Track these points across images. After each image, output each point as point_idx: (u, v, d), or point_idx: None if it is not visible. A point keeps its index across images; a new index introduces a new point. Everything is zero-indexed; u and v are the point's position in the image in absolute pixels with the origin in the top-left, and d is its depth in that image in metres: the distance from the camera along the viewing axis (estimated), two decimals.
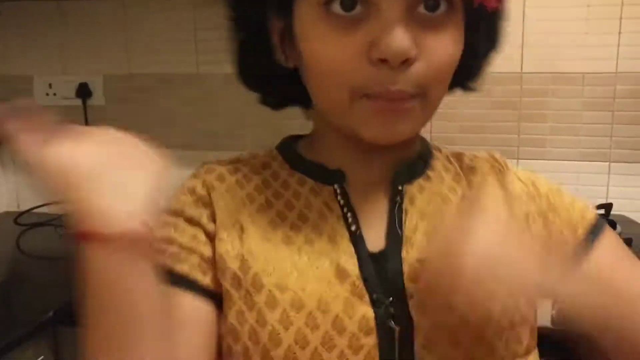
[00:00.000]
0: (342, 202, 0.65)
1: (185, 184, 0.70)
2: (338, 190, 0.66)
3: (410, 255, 0.63)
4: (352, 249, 0.62)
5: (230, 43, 0.68)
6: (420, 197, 0.67)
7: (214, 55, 1.80)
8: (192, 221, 0.66)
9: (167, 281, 0.63)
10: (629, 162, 1.65)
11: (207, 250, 0.65)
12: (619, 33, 1.59)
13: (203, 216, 0.66)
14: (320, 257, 0.62)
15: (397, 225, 0.64)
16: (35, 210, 1.93)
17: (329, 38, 0.56)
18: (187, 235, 0.66)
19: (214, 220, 0.66)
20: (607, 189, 1.67)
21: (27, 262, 1.63)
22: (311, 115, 0.73)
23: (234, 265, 0.63)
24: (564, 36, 1.61)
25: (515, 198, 0.70)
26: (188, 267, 0.64)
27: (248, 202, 0.67)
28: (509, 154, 1.68)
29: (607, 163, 1.66)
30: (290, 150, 0.72)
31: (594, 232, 0.70)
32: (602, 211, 1.58)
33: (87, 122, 1.90)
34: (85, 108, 1.90)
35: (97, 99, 1.91)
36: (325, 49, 0.57)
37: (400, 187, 0.67)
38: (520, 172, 0.74)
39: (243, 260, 0.63)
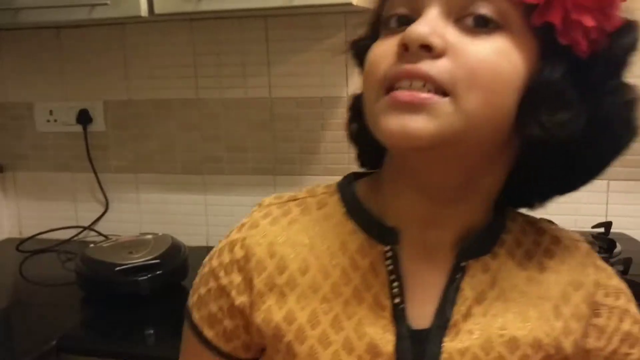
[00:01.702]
0: (390, 267, 0.60)
1: (230, 234, 0.67)
2: (389, 254, 0.61)
3: (453, 342, 0.59)
4: (392, 325, 0.59)
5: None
6: (482, 277, 0.61)
7: (213, 80, 1.81)
8: (223, 290, 0.65)
9: (198, 339, 0.67)
10: (628, 180, 1.65)
11: (230, 324, 0.65)
12: None
13: (234, 286, 0.64)
14: (356, 327, 0.59)
15: (447, 305, 0.60)
16: (37, 237, 1.94)
17: (379, 44, 0.58)
18: (216, 303, 0.66)
19: (249, 288, 0.63)
20: (607, 207, 1.67)
21: (29, 289, 1.63)
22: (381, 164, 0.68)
23: (269, 332, 0.62)
24: None
25: (589, 303, 0.63)
26: (214, 333, 0.67)
27: (292, 255, 0.63)
28: None
29: (606, 181, 1.66)
30: (349, 191, 0.66)
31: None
32: (601, 229, 1.59)
33: (88, 148, 1.91)
34: (85, 134, 1.91)
35: (98, 124, 1.92)
36: (373, 52, 0.58)
37: (463, 264, 0.61)
38: (604, 273, 0.65)
39: (278, 328, 0.61)
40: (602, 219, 1.63)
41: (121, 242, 1.59)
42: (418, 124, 0.52)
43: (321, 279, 0.61)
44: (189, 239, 1.72)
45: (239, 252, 0.64)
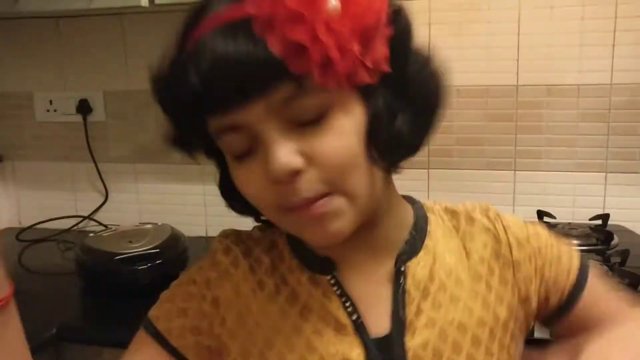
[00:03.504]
0: (338, 292, 0.66)
1: (206, 268, 0.72)
2: (332, 281, 0.67)
3: (413, 340, 0.65)
4: (357, 338, 0.65)
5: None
6: (421, 273, 0.67)
7: None
8: (203, 314, 0.70)
9: (145, 328, 0.70)
10: (625, 173, 1.66)
11: (190, 324, 0.69)
12: (613, 45, 1.61)
13: (217, 319, 0.69)
14: (328, 348, 0.64)
15: (399, 308, 0.66)
16: (37, 227, 1.94)
17: (241, 172, 0.60)
18: (190, 316, 0.70)
19: (223, 324, 0.69)
20: (604, 199, 1.68)
21: (29, 278, 1.63)
22: None
23: (247, 357, 0.67)
24: (559, 49, 1.63)
25: (508, 265, 0.71)
26: (172, 330, 0.69)
27: (259, 291, 0.69)
28: (506, 166, 1.69)
29: (604, 174, 1.67)
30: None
31: (582, 275, 0.73)
32: (599, 222, 1.59)
33: (87, 138, 1.92)
34: (85, 124, 1.91)
35: (98, 114, 1.92)
36: (240, 182, 0.60)
37: (402, 268, 0.67)
38: (512, 229, 0.72)
39: (259, 353, 0.66)
40: (600, 212, 1.64)
41: (121, 231, 1.59)
42: (335, 227, 0.58)
43: (288, 307, 0.67)
44: (189, 228, 1.72)
45: (217, 292, 0.70)
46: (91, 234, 1.59)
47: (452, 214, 0.74)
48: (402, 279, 0.67)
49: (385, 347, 0.65)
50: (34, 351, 1.16)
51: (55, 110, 1.95)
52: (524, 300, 0.70)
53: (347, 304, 0.66)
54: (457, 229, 0.72)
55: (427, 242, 0.69)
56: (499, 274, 0.70)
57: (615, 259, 1.34)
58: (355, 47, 0.54)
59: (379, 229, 0.67)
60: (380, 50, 0.56)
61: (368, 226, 0.64)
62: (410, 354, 0.64)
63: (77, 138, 1.94)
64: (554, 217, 1.64)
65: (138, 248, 1.46)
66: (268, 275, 0.69)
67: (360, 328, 0.65)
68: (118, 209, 1.97)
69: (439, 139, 1.70)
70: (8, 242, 1.89)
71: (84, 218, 1.97)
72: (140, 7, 1.48)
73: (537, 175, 1.69)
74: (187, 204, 1.89)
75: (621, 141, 1.65)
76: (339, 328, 0.65)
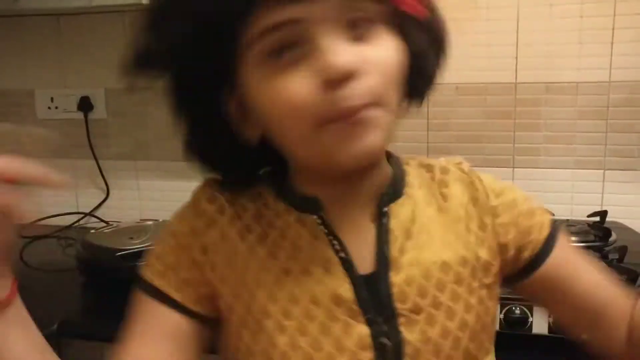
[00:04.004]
0: (326, 231, 0.68)
1: (190, 219, 0.72)
2: (319, 221, 0.68)
3: (398, 277, 0.67)
4: (345, 275, 0.66)
5: (177, 128, 0.71)
6: (403, 215, 0.70)
7: None
8: (195, 263, 0.70)
9: (143, 291, 0.70)
10: (624, 170, 1.66)
11: (187, 275, 0.70)
12: (612, 43, 1.61)
13: (207, 265, 0.69)
14: (318, 285, 0.66)
15: (384, 246, 0.68)
16: (38, 222, 1.95)
17: (279, 81, 0.58)
18: (184, 268, 0.70)
19: (214, 269, 0.69)
20: (602, 196, 1.69)
21: (30, 274, 1.64)
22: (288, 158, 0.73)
23: (238, 298, 0.68)
24: (557, 46, 1.64)
25: (486, 211, 0.73)
26: (169, 285, 0.69)
27: (247, 234, 0.69)
28: (504, 163, 1.70)
29: (602, 171, 1.68)
30: (276, 177, 0.73)
31: (553, 233, 0.76)
32: (597, 218, 1.60)
33: (89, 135, 1.92)
34: (87, 121, 1.92)
35: (99, 112, 1.93)
36: (279, 93, 0.58)
37: (385, 209, 0.69)
38: (486, 181, 0.76)
39: (249, 293, 0.67)
40: (598, 208, 1.64)
41: (122, 228, 1.60)
42: (372, 139, 0.59)
43: (277, 250, 0.68)
44: None
45: (204, 239, 0.70)
46: (92, 231, 1.59)
47: (427, 166, 0.76)
48: (385, 219, 0.69)
49: (372, 283, 0.66)
50: None
51: (56, 108, 1.96)
52: (503, 246, 0.72)
53: (335, 243, 0.67)
54: (432, 178, 0.74)
55: (407, 189, 0.72)
56: (477, 218, 0.72)
57: (613, 256, 1.35)
58: None
59: (365, 173, 0.68)
60: None
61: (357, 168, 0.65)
62: (395, 290, 0.66)
63: (78, 135, 1.95)
64: (552, 214, 1.63)
65: (139, 244, 1.47)
66: (254, 220, 0.70)
67: (347, 265, 0.67)
68: (119, 206, 1.98)
69: (437, 136, 1.72)
70: None
71: (85, 215, 1.98)
72: (141, 4, 1.49)
73: (536, 172, 1.70)
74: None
75: (619, 139, 1.65)
76: (327, 266, 0.67)
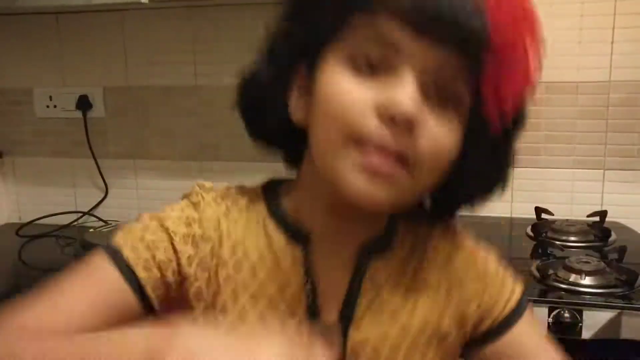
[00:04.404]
0: (304, 270, 0.67)
1: (184, 209, 0.71)
2: (302, 259, 0.67)
3: (355, 334, 0.67)
4: (306, 321, 0.66)
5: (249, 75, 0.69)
6: (380, 273, 0.69)
7: (212, 67, 1.82)
8: (175, 251, 0.67)
9: (107, 254, 0.66)
10: (623, 170, 1.66)
11: (169, 276, 0.66)
12: (612, 42, 1.61)
13: (185, 255, 0.66)
14: (279, 322, 0.65)
15: (353, 301, 0.67)
16: (37, 222, 1.95)
17: (347, 83, 0.57)
18: (160, 251, 0.66)
19: (193, 264, 0.67)
20: (602, 196, 1.69)
21: (29, 273, 1.64)
22: (299, 171, 0.72)
23: (204, 317, 0.66)
24: (557, 46, 1.63)
25: (455, 281, 0.72)
26: (138, 259, 0.65)
27: (230, 252, 0.67)
28: None
29: (602, 170, 1.68)
30: (272, 193, 0.72)
31: (519, 309, 0.73)
32: (596, 218, 1.60)
33: (87, 134, 1.92)
34: (85, 120, 1.92)
35: (98, 110, 1.93)
36: (340, 92, 0.57)
37: (364, 262, 0.68)
38: (466, 249, 0.74)
39: (214, 316, 0.66)
40: (598, 208, 1.64)
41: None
42: (383, 194, 0.57)
43: (250, 278, 0.67)
44: None
45: (196, 230, 0.68)
46: (91, 230, 1.59)
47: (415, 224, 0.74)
48: (361, 274, 0.68)
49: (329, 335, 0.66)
50: None
51: (55, 106, 1.96)
52: (462, 318, 0.71)
53: (308, 287, 0.66)
54: (417, 236, 0.73)
55: (393, 247, 0.70)
56: (446, 287, 0.71)
57: (613, 256, 1.35)
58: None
59: (360, 218, 0.66)
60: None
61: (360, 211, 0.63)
62: (349, 345, 0.66)
63: (76, 134, 1.94)
64: (552, 214, 1.64)
65: None
66: (241, 238, 0.68)
67: (312, 312, 0.66)
68: (118, 205, 1.97)
69: None
70: (8, 238, 1.89)
71: (84, 214, 1.97)
72: (140, 3, 1.49)
73: (536, 172, 1.70)
74: None
75: (619, 138, 1.65)
76: (293, 305, 0.66)
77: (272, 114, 0.67)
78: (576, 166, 1.68)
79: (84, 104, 1.91)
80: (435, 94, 0.57)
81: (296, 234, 0.68)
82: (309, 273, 0.67)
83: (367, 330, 0.67)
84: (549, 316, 1.14)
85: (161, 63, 1.84)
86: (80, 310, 0.62)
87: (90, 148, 1.93)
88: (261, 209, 0.70)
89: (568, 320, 1.13)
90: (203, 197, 0.72)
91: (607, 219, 1.60)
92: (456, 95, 0.58)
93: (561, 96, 1.65)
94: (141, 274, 0.64)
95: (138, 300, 0.64)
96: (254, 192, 0.73)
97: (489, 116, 0.58)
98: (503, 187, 0.67)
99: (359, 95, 0.56)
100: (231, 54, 1.79)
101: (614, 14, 1.60)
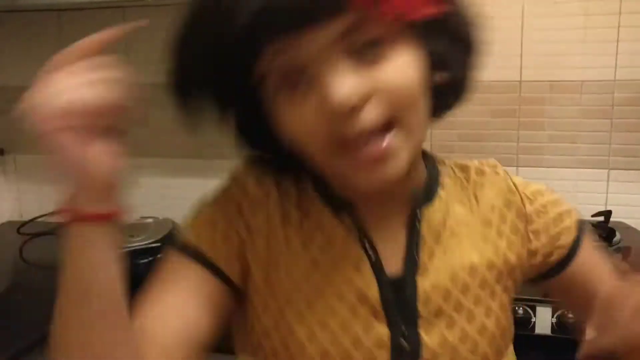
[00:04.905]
0: (358, 231, 0.68)
1: (239, 187, 0.72)
2: (352, 221, 0.68)
3: (425, 281, 0.67)
4: (373, 276, 0.67)
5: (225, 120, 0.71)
6: (435, 219, 0.70)
7: None
8: (240, 217, 0.69)
9: (176, 249, 0.68)
10: (628, 169, 1.66)
11: (235, 248, 0.68)
12: (617, 41, 1.60)
13: (243, 224, 0.69)
14: (345, 282, 0.66)
15: (414, 250, 0.68)
16: (37, 220, 1.94)
17: (293, 110, 0.58)
18: (224, 228, 0.69)
19: (253, 230, 0.69)
20: (606, 196, 1.68)
21: (30, 271, 1.64)
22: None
23: (266, 282, 0.68)
24: (562, 45, 1.63)
25: (521, 216, 0.74)
26: (204, 244, 0.68)
27: (287, 221, 0.69)
28: (508, 162, 1.69)
29: (606, 170, 1.67)
30: (312, 171, 0.70)
31: (580, 234, 0.76)
32: (601, 218, 1.59)
33: None
34: None
35: None
36: (293, 121, 0.59)
37: (417, 211, 0.69)
38: (520, 185, 0.76)
39: (277, 277, 0.67)
40: (602, 208, 1.64)
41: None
42: (390, 170, 0.58)
43: (309, 242, 0.68)
44: None
45: (247, 205, 0.70)
46: None
47: (463, 167, 0.76)
48: (417, 224, 0.69)
49: (399, 286, 0.67)
50: (33, 344, 1.16)
51: None
52: (532, 253, 0.73)
53: (366, 243, 0.68)
54: (467, 179, 0.75)
55: (440, 191, 0.72)
56: (510, 222, 0.73)
57: (617, 256, 1.34)
58: None
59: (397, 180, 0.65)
60: None
61: None
62: (421, 294, 0.67)
63: None
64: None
65: (139, 242, 1.47)
66: (295, 207, 0.70)
67: (376, 266, 0.67)
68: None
69: (441, 134, 1.71)
70: (9, 236, 1.89)
71: None
72: (142, 0, 1.48)
73: (540, 171, 1.69)
74: (188, 198, 1.86)
75: (624, 138, 1.64)
76: (357, 264, 0.67)
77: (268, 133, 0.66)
78: (580, 166, 1.67)
79: None
80: (361, 50, 0.56)
81: (340, 204, 0.69)
82: (363, 235, 0.68)
83: (435, 275, 0.68)
84: (552, 316, 1.14)
85: (162, 60, 1.83)
86: (188, 315, 0.64)
87: None
88: (306, 183, 0.71)
89: (572, 320, 1.13)
90: (250, 176, 0.72)
91: (611, 219, 1.59)
92: (375, 34, 0.56)
93: (565, 95, 1.64)
94: (210, 253, 0.67)
95: (219, 282, 0.67)
96: (299, 164, 0.71)
97: (415, 16, 0.56)
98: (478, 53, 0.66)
99: (310, 116, 0.57)
100: None
101: (619, 13, 1.59)
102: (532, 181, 0.78)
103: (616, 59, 1.61)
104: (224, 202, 0.71)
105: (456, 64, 0.64)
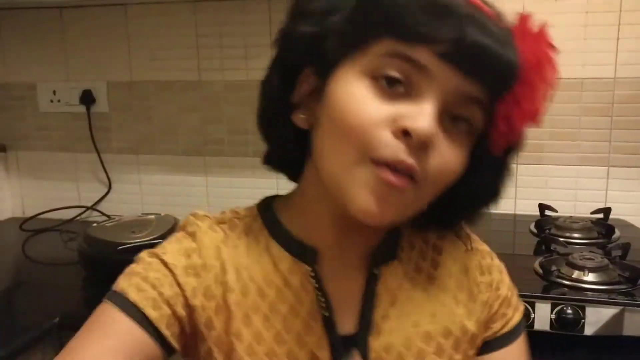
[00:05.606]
0: (316, 285, 0.66)
1: (182, 241, 0.69)
2: (312, 274, 0.67)
3: (377, 342, 0.66)
4: (324, 334, 0.65)
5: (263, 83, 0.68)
6: (392, 279, 0.69)
7: (215, 62, 1.82)
8: (178, 285, 0.65)
9: (112, 302, 0.63)
10: (628, 167, 1.66)
11: (179, 311, 0.65)
12: (618, 39, 1.60)
13: (189, 287, 0.65)
14: (297, 340, 0.65)
15: (368, 310, 0.67)
16: (40, 216, 1.95)
17: (364, 99, 0.57)
18: (166, 287, 0.65)
19: (198, 295, 0.65)
20: (606, 193, 1.68)
21: (32, 267, 1.64)
22: (301, 183, 0.71)
23: (218, 345, 0.65)
24: (562, 42, 1.61)
25: (473, 284, 0.73)
26: (158, 314, 0.63)
27: (235, 277, 0.66)
28: None
29: (606, 167, 1.67)
30: (270, 214, 0.71)
31: (518, 329, 0.75)
32: (600, 215, 1.60)
33: (91, 129, 1.92)
34: (89, 114, 1.92)
35: (101, 105, 1.93)
36: (356, 107, 0.57)
37: (375, 271, 0.69)
38: (480, 255, 0.76)
39: (228, 343, 0.65)
40: (602, 205, 1.64)
41: (123, 222, 1.59)
42: (392, 208, 0.58)
43: (260, 299, 0.66)
44: None
45: (197, 260, 0.67)
46: (94, 224, 1.59)
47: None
48: (374, 282, 0.68)
49: (351, 345, 0.66)
50: (36, 340, 1.17)
51: (58, 101, 1.96)
52: (487, 321, 0.73)
53: (321, 300, 0.66)
54: (426, 242, 0.74)
55: (400, 253, 0.71)
56: (467, 289, 0.72)
57: (616, 253, 1.34)
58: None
59: (363, 228, 0.64)
60: None
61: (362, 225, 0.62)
62: (373, 355, 0.66)
63: (80, 128, 1.95)
64: (556, 211, 1.63)
65: (141, 238, 1.47)
66: (243, 264, 0.67)
67: (329, 325, 0.66)
68: (121, 200, 1.98)
69: None
70: (11, 232, 1.90)
71: (87, 208, 1.98)
72: None
73: (540, 168, 1.69)
74: (190, 195, 1.90)
75: (624, 135, 1.65)
76: (309, 322, 0.65)
77: (277, 120, 0.66)
78: (580, 163, 1.68)
79: (87, 98, 1.91)
80: (452, 116, 0.58)
81: (302, 252, 0.67)
82: (320, 288, 0.66)
83: (388, 336, 0.66)
84: (551, 312, 1.14)
85: (165, 58, 1.84)
86: None
87: (94, 143, 1.93)
88: (261, 231, 0.70)
89: (571, 316, 1.13)
90: (199, 226, 0.70)
91: (611, 216, 1.60)
92: (471, 120, 0.59)
93: (566, 93, 1.65)
94: (152, 314, 0.62)
95: (156, 341, 0.62)
96: (250, 214, 0.72)
97: (495, 142, 0.62)
98: (496, 201, 0.68)
99: (376, 109, 0.56)
100: (235, 49, 1.78)
101: (620, 11, 1.59)
102: (493, 254, 0.77)
103: (616, 57, 1.61)
104: (172, 260, 0.67)
105: (478, 196, 0.67)
